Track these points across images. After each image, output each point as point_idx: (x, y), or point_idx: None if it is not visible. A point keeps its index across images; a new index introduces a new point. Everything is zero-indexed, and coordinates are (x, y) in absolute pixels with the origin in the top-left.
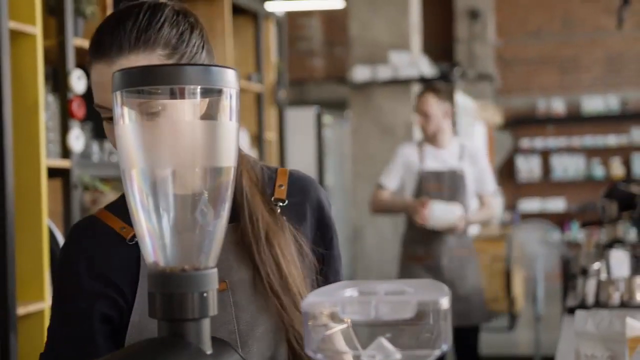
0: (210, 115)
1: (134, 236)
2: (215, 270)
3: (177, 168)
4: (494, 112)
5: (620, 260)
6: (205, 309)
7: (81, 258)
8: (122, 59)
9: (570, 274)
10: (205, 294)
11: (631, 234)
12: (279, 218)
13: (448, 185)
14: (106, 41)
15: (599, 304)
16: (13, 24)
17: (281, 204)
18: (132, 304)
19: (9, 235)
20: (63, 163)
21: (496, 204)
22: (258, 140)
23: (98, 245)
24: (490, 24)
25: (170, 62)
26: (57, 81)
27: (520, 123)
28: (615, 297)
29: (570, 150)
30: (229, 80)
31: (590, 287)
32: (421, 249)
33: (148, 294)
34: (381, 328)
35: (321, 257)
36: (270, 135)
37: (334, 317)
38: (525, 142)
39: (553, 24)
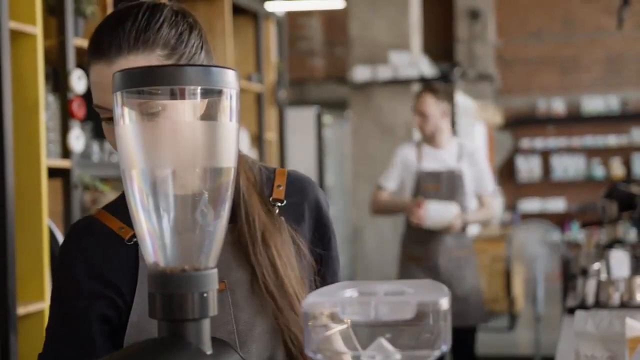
0: (210, 115)
1: (133, 236)
2: (215, 270)
3: (178, 168)
4: (494, 112)
5: (620, 261)
6: (205, 309)
7: (79, 258)
8: (121, 59)
9: (570, 274)
10: (205, 295)
11: (631, 234)
12: (276, 219)
13: (446, 185)
14: (105, 41)
15: (599, 304)
16: (13, 24)
17: (279, 204)
18: (130, 304)
19: (9, 235)
20: (63, 163)
21: (496, 204)
22: (258, 140)
23: (96, 245)
24: (490, 24)
25: (169, 62)
26: (58, 81)
27: (520, 123)
28: (615, 298)
29: (570, 150)
30: (229, 80)
31: (590, 287)
32: (419, 250)
33: (148, 295)
34: (381, 328)
35: (319, 257)
36: (271, 135)
37: (334, 318)
38: (525, 142)
39: (553, 24)
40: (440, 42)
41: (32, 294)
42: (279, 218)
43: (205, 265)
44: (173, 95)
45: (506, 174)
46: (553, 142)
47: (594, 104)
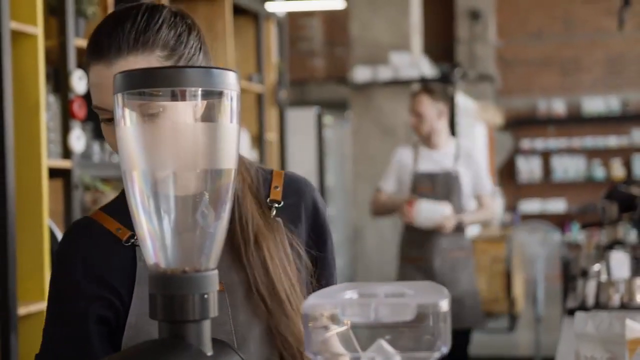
0: (211, 117)
1: (130, 237)
2: (215, 271)
3: (178, 170)
4: (495, 112)
5: (620, 262)
6: (205, 310)
7: (77, 259)
8: (120, 60)
9: (570, 275)
10: (205, 296)
11: (631, 236)
12: (273, 220)
13: (442, 186)
14: (104, 42)
15: (599, 305)
16: (14, 24)
17: (277, 205)
18: (128, 305)
19: (10, 235)
20: (64, 163)
21: (495, 204)
22: (259, 140)
23: (94, 246)
24: (491, 25)
25: (169, 63)
26: (58, 81)
27: (520, 124)
28: (615, 299)
29: (570, 151)
30: (230, 82)
31: (591, 288)
32: (415, 250)
33: (149, 296)
34: (381, 330)
35: (315, 259)
36: (271, 135)
37: (334, 319)
38: (525, 143)
39: (554, 24)
40: (441, 42)
41: (32, 294)
42: (275, 219)
43: (205, 266)
44: (174, 97)
45: (506, 174)
46: (553, 142)
47: (594, 104)
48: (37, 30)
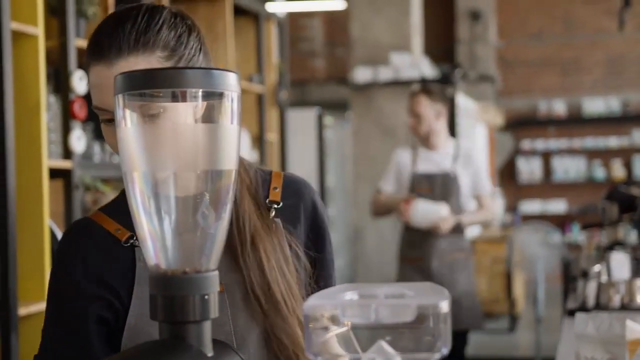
0: (211, 118)
1: (129, 238)
2: (216, 272)
3: (179, 171)
4: (495, 113)
5: (620, 263)
6: (206, 311)
7: (77, 259)
8: (121, 60)
9: (570, 276)
10: (206, 297)
11: (632, 236)
12: (271, 221)
13: (440, 187)
14: (105, 43)
15: (600, 306)
16: (15, 25)
17: (276, 206)
18: (128, 306)
19: (11, 235)
20: (64, 164)
21: (495, 205)
22: (259, 141)
23: (93, 247)
24: (491, 25)
25: (169, 64)
26: (59, 82)
27: (521, 124)
28: (616, 300)
29: (571, 151)
30: (230, 83)
31: (591, 289)
32: (414, 250)
33: (149, 297)
34: (381, 331)
35: (314, 260)
36: (272, 136)
37: (335, 320)
38: (526, 144)
39: (554, 25)
40: (441, 43)
41: (33, 294)
42: (274, 220)
43: (206, 267)
44: (174, 98)
45: (507, 175)
46: (554, 143)
47: (594, 105)
48: (38, 30)
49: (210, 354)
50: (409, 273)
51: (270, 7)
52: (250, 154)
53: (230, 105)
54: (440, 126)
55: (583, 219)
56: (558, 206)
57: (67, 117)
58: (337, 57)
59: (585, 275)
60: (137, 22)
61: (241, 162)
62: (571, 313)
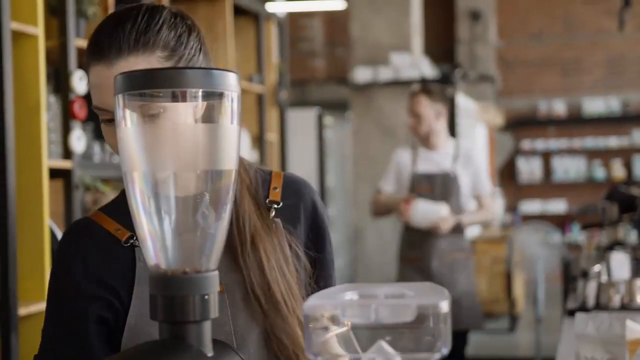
0: (211, 118)
1: (129, 238)
2: (216, 272)
3: (179, 171)
4: (495, 113)
5: (620, 263)
6: (206, 311)
7: (77, 259)
8: (121, 60)
9: (570, 276)
10: (206, 297)
11: (632, 236)
12: (271, 221)
13: (440, 187)
14: (105, 43)
15: (600, 306)
16: (15, 25)
17: (276, 206)
18: (127, 306)
19: (11, 235)
20: (64, 164)
21: (495, 205)
22: (259, 141)
23: (94, 247)
24: (491, 26)
25: (169, 64)
26: (59, 82)
27: (521, 124)
28: (616, 300)
29: (571, 151)
30: (230, 83)
31: (591, 289)
32: (414, 251)
33: (149, 297)
34: (381, 331)
35: (314, 260)
36: (272, 136)
37: (335, 320)
38: (526, 144)
39: (554, 25)
40: (441, 43)
41: (33, 294)
42: (274, 220)
43: (206, 267)
44: (174, 98)
45: (507, 175)
46: (554, 143)
47: (595, 105)
48: (38, 30)
49: (210, 354)
50: (409, 273)
51: (270, 7)
52: (250, 154)
53: (230, 105)
54: (440, 126)
55: (583, 219)
56: (558, 206)
57: (67, 117)
58: (337, 57)
59: (585, 275)
60: (137, 22)
61: (241, 162)
62: (571, 313)
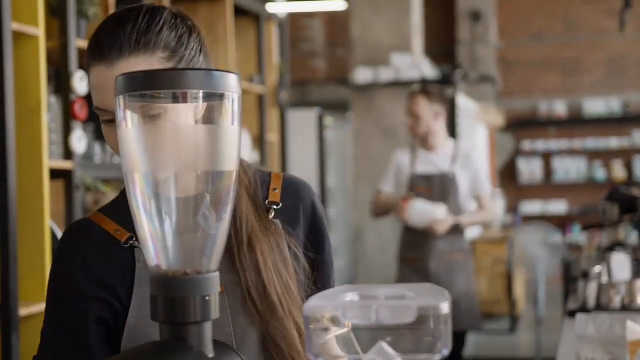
0: (212, 119)
1: (129, 239)
2: (217, 273)
3: (179, 172)
4: (496, 114)
5: (621, 264)
6: (207, 312)
7: (77, 260)
8: (122, 61)
9: (571, 277)
10: (207, 298)
11: (632, 237)
12: (270, 222)
13: (438, 188)
14: (106, 44)
15: (600, 307)
16: (16, 26)
17: (275, 207)
18: (127, 306)
19: (12, 236)
20: (65, 164)
21: (495, 206)
22: (260, 141)
23: (94, 247)
24: (492, 26)
25: (170, 65)
26: (60, 82)
27: (522, 125)
28: (616, 301)
29: (571, 152)
30: (231, 84)
31: (592, 290)
32: (413, 251)
33: (150, 297)
34: (382, 332)
35: (313, 261)
36: (272, 136)
37: (335, 322)
38: (526, 145)
39: (555, 26)
40: (442, 44)
41: (33, 295)
42: (273, 222)
43: (207, 268)
44: (175, 99)
45: (507, 176)
46: (554, 144)
47: (595, 106)
48: (39, 31)
49: (211, 355)
50: (408, 274)
51: (270, 8)
52: (250, 155)
53: (231, 106)
54: (438, 127)
55: (584, 219)
56: (559, 207)
57: (67, 118)
58: (338, 57)
59: (585, 276)
60: (138, 23)
61: (240, 163)
62: (572, 314)
